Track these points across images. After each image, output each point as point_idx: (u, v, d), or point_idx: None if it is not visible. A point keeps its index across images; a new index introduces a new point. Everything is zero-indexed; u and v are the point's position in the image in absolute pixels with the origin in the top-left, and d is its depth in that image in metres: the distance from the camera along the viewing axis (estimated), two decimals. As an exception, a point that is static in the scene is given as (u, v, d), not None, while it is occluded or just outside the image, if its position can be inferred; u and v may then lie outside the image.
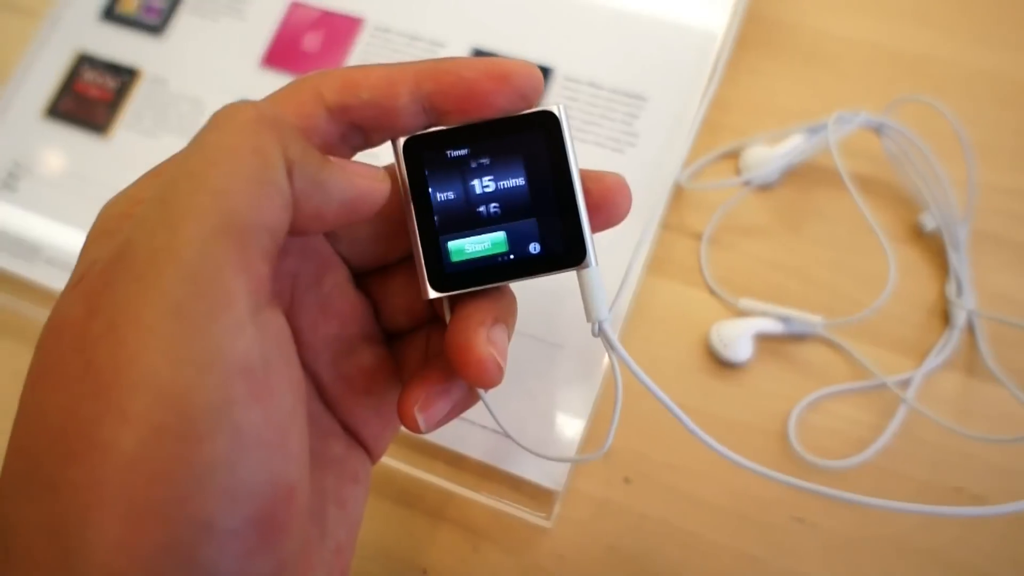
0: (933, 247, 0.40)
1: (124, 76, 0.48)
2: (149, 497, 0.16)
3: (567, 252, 0.24)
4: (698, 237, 0.42)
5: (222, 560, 0.17)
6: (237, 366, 0.17)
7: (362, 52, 0.46)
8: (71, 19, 0.50)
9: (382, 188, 0.22)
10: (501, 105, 0.23)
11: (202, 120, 0.45)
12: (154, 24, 0.49)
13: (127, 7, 0.50)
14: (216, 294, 0.17)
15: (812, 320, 0.38)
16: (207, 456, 0.16)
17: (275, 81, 0.46)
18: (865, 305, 0.37)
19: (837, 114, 0.39)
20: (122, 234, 0.19)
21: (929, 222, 0.40)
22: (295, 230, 0.20)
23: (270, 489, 0.18)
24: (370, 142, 0.24)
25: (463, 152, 0.24)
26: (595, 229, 0.24)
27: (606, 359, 0.38)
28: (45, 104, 0.49)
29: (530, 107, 0.24)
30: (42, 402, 0.18)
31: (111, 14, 0.50)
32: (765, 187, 0.43)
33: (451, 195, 0.24)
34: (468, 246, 0.24)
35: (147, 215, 0.18)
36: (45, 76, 0.49)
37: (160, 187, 0.19)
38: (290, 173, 0.19)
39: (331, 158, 0.21)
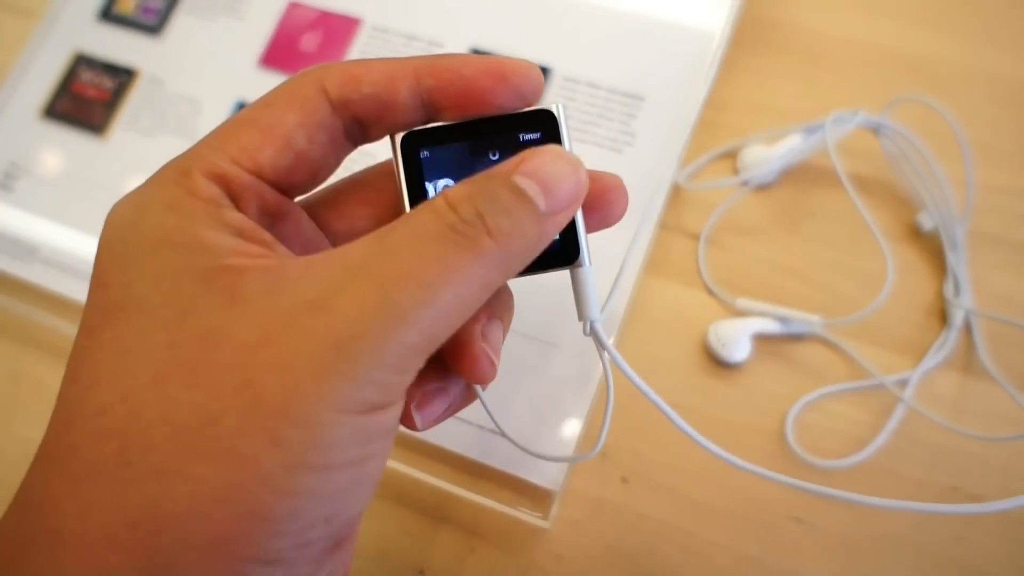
0: (931, 247, 0.40)
1: (122, 76, 0.48)
2: (268, 511, 0.18)
3: (560, 251, 0.24)
4: (696, 237, 0.42)
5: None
6: (383, 429, 0.20)
7: (360, 52, 0.46)
8: (68, 19, 0.50)
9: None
10: (500, 103, 0.23)
11: (200, 120, 0.46)
12: (151, 24, 0.49)
13: (124, 7, 0.50)
14: (387, 381, 0.19)
15: (810, 320, 0.38)
16: (331, 490, 0.19)
17: (273, 81, 0.46)
18: (863, 305, 0.37)
19: (835, 114, 0.39)
20: (311, 257, 0.20)
21: (927, 222, 0.40)
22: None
23: (358, 516, 0.21)
24: (369, 136, 0.24)
25: (460, 148, 0.24)
26: (591, 229, 0.24)
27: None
28: (42, 104, 0.48)
29: (528, 105, 0.24)
30: (172, 396, 0.18)
31: (108, 14, 0.50)
32: (763, 187, 0.43)
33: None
34: None
35: (355, 263, 0.19)
36: (42, 76, 0.49)
37: (382, 248, 0.19)
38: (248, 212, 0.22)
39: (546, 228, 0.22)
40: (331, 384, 0.18)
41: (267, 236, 0.21)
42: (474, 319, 0.24)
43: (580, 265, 0.24)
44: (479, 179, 0.21)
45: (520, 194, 0.20)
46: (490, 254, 0.19)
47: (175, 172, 0.21)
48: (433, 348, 0.19)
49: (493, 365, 0.24)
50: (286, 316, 0.18)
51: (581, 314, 0.25)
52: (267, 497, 0.17)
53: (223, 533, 0.17)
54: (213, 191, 0.21)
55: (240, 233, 0.20)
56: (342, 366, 0.18)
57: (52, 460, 0.19)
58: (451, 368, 0.24)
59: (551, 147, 0.22)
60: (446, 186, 0.24)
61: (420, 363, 0.19)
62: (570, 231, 0.24)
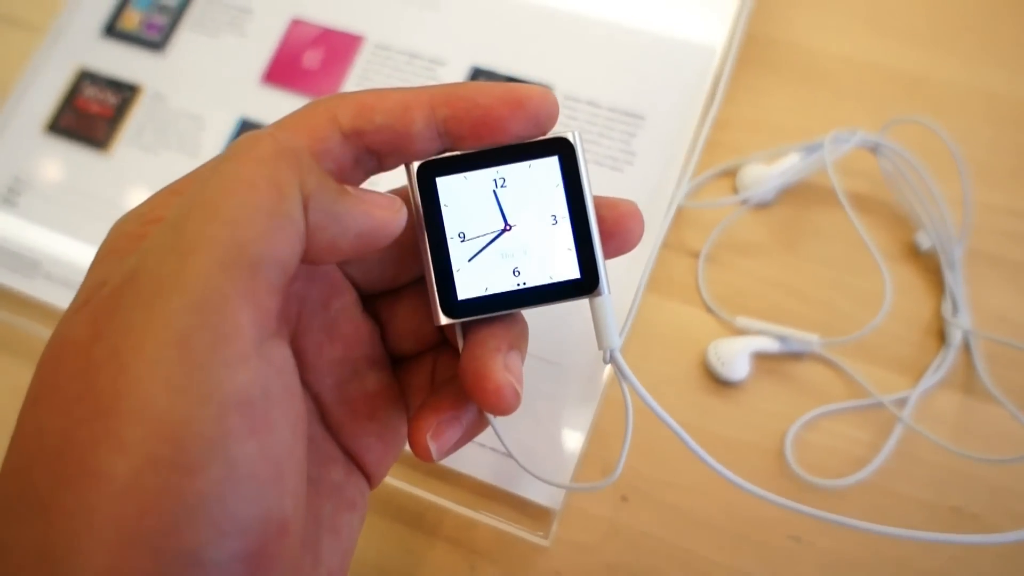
0: (929, 266, 0.41)
1: (125, 92, 0.49)
2: (139, 527, 0.16)
3: (581, 280, 0.24)
4: (695, 255, 0.42)
5: None
6: (236, 399, 0.17)
7: (362, 70, 0.46)
8: (72, 35, 0.51)
9: (399, 219, 0.22)
10: (516, 131, 0.23)
11: (202, 136, 0.46)
12: (155, 40, 0.50)
13: (128, 23, 0.50)
14: (220, 326, 0.17)
15: (809, 339, 0.38)
16: (199, 488, 0.16)
17: (275, 98, 0.47)
18: (861, 324, 0.38)
19: (833, 133, 0.40)
20: (132, 257, 0.19)
21: (925, 241, 0.40)
22: (310, 259, 0.20)
23: (261, 524, 0.18)
24: (384, 166, 0.24)
25: (477, 177, 0.24)
26: (607, 256, 0.24)
27: (605, 377, 0.38)
28: (46, 119, 0.49)
29: (544, 133, 0.24)
30: (40, 423, 0.18)
31: (112, 30, 0.50)
32: (762, 206, 0.43)
33: (464, 220, 0.24)
34: None
35: (158, 241, 0.18)
36: (46, 91, 0.49)
37: (173, 214, 0.19)
38: (306, 206, 0.19)
39: (349, 189, 0.21)
40: (151, 354, 0.16)
41: None
42: (495, 349, 0.23)
43: (600, 294, 0.24)
44: None
45: None
46: (268, 155, 0.19)
47: (168, 192, 0.22)
48: (261, 272, 0.18)
49: (518, 396, 0.23)
50: (108, 303, 0.18)
51: (601, 343, 0.24)
52: (131, 513, 0.16)
53: (104, 566, 0.16)
54: None
55: None
56: (155, 327, 0.17)
57: None
58: (474, 400, 0.24)
59: None
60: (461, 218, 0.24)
61: (252, 297, 0.18)
62: (590, 260, 0.24)
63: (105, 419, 0.16)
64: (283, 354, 0.19)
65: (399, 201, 0.22)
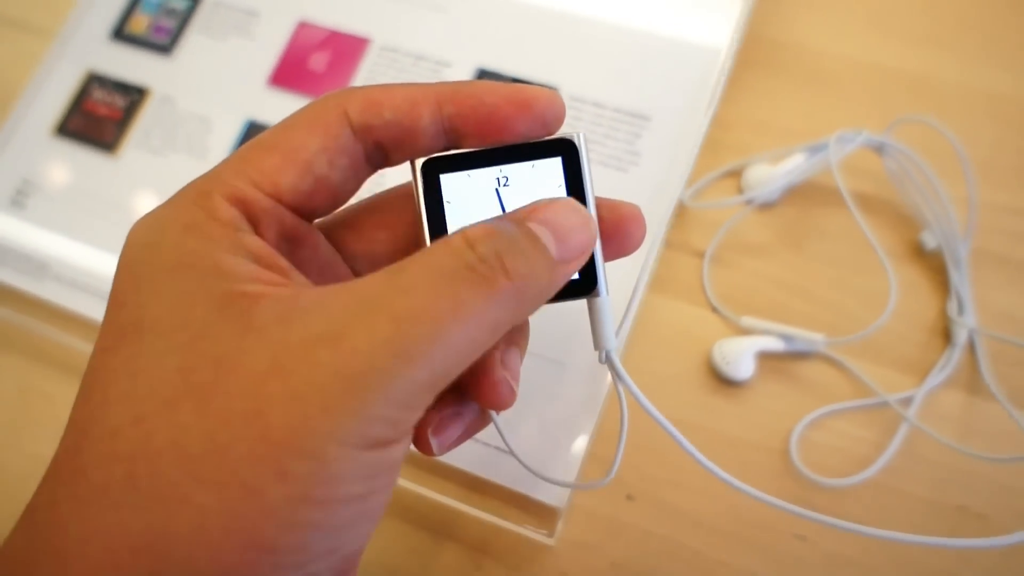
0: (934, 266, 0.41)
1: (133, 95, 0.49)
2: (272, 543, 0.18)
3: (579, 281, 0.24)
4: (700, 255, 0.42)
5: None
6: (389, 464, 0.20)
7: (368, 72, 0.47)
8: (81, 38, 0.51)
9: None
10: (521, 131, 0.23)
11: (210, 138, 0.46)
12: (163, 43, 0.50)
13: (136, 26, 0.51)
14: (396, 419, 0.19)
15: (814, 338, 0.38)
16: (335, 524, 0.19)
17: (282, 100, 0.47)
18: (867, 323, 0.38)
19: (838, 133, 0.40)
20: (324, 289, 0.20)
21: (930, 241, 0.40)
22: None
23: (360, 549, 0.21)
24: (390, 161, 0.24)
25: (480, 175, 0.24)
26: (608, 258, 0.24)
27: (609, 377, 0.38)
28: (55, 122, 0.49)
29: (550, 134, 0.24)
30: (182, 421, 0.18)
31: (121, 33, 0.51)
32: (767, 206, 0.43)
33: (467, 217, 0.24)
34: None
35: (370, 298, 0.19)
36: (55, 94, 0.50)
37: (398, 284, 0.19)
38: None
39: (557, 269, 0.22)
40: (339, 419, 0.18)
41: (284, 263, 0.21)
42: (493, 347, 0.24)
43: (598, 295, 0.24)
44: (495, 221, 0.21)
45: (535, 239, 0.21)
46: (504, 294, 0.19)
47: (195, 194, 0.21)
48: (442, 386, 0.19)
49: (513, 392, 0.24)
50: (298, 347, 0.18)
51: (597, 343, 0.25)
52: (271, 529, 0.17)
53: (226, 563, 0.17)
54: (233, 215, 0.21)
55: (257, 259, 0.20)
56: (351, 401, 0.18)
57: (60, 480, 0.19)
58: (471, 396, 0.24)
59: (564, 199, 0.22)
60: (463, 215, 0.24)
61: (429, 400, 0.19)
62: (588, 262, 0.24)
63: (273, 448, 0.18)
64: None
65: (583, 232, 0.23)
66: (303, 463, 0.17)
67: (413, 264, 0.19)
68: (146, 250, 0.21)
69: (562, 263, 0.21)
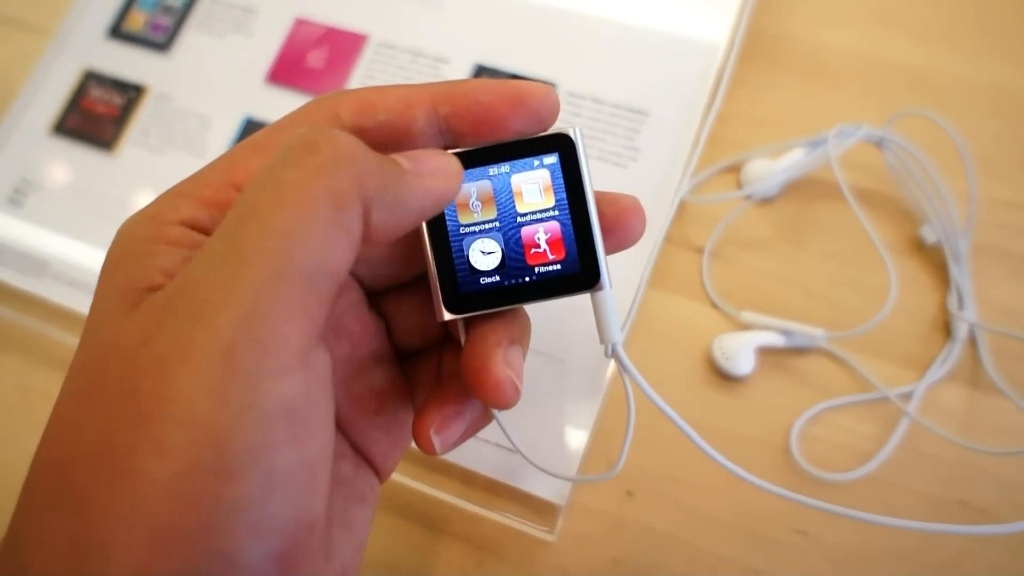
0: (934, 260, 0.41)
1: (130, 92, 0.49)
2: (175, 526, 0.16)
3: (582, 275, 0.24)
4: (700, 250, 0.42)
5: None
6: (280, 409, 0.17)
7: (366, 69, 0.47)
8: (78, 36, 0.51)
9: (456, 184, 0.22)
10: (517, 128, 0.23)
11: (208, 136, 0.46)
12: (160, 41, 0.50)
13: (134, 24, 0.51)
14: (268, 339, 0.17)
15: (814, 333, 0.38)
16: (238, 493, 0.17)
17: (280, 97, 0.47)
18: (867, 318, 0.38)
19: (838, 128, 0.40)
20: (156, 260, 0.19)
21: (930, 235, 0.40)
22: (372, 242, 0.20)
23: (295, 524, 0.18)
24: None
25: (478, 174, 0.24)
26: (609, 251, 0.24)
27: (609, 373, 0.38)
28: (52, 120, 0.49)
29: (546, 129, 0.24)
30: (80, 421, 0.18)
31: (118, 31, 0.51)
32: (766, 200, 0.43)
33: (463, 215, 0.24)
34: None
35: (212, 250, 0.18)
36: (52, 93, 0.50)
37: (228, 222, 0.18)
38: (368, 209, 0.19)
39: (404, 164, 0.21)
40: (198, 363, 0.17)
41: None
42: (495, 344, 0.24)
43: (601, 288, 0.24)
44: None
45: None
46: (327, 161, 0.18)
47: (173, 193, 0.22)
48: (313, 286, 0.18)
49: (517, 390, 0.24)
50: (160, 308, 0.18)
51: (603, 337, 0.25)
52: (169, 513, 0.16)
53: (140, 560, 0.16)
54: (199, 214, 0.21)
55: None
56: (203, 337, 0.17)
57: (23, 492, 0.19)
58: (475, 395, 0.24)
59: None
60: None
61: (304, 309, 0.18)
62: (590, 255, 0.24)
63: (147, 423, 0.17)
64: (324, 361, 0.19)
65: (455, 162, 0.22)
66: (178, 429, 0.16)
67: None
68: (111, 247, 0.21)
69: (413, 171, 0.21)
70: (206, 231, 0.21)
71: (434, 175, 0.21)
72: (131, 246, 0.21)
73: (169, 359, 0.17)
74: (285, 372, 0.17)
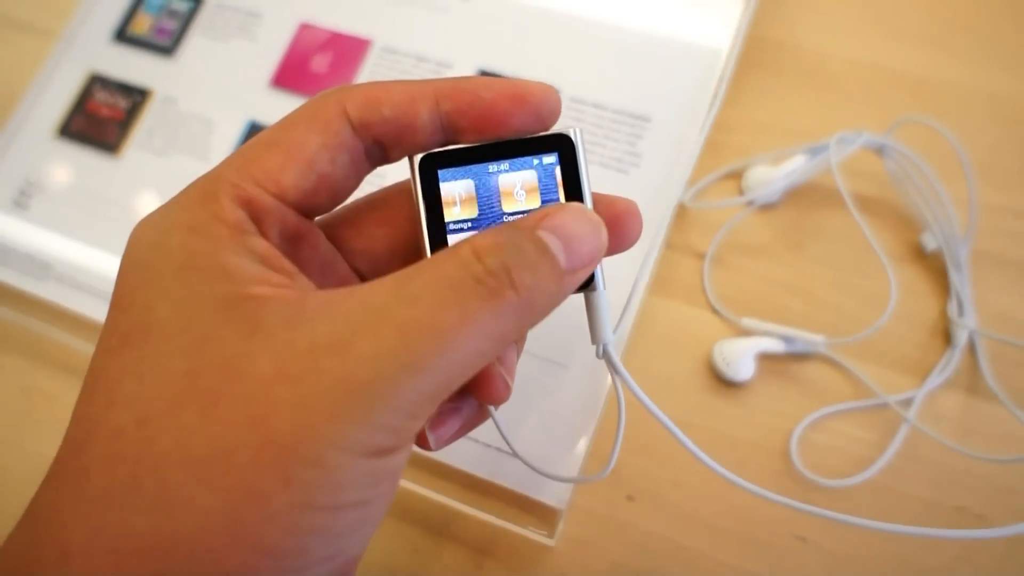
0: (934, 267, 0.41)
1: (135, 96, 0.49)
2: (275, 547, 0.18)
3: None
4: (701, 256, 0.42)
5: None
6: (391, 472, 0.20)
7: (370, 73, 0.47)
8: (84, 40, 0.51)
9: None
10: (518, 126, 0.23)
11: (212, 139, 0.46)
12: (165, 45, 0.50)
13: (139, 28, 0.51)
14: (402, 431, 0.19)
15: (814, 339, 0.38)
16: (336, 530, 0.19)
17: (284, 101, 0.47)
18: (867, 324, 0.38)
19: (839, 134, 0.40)
20: (333, 320, 0.20)
21: (930, 242, 0.40)
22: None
23: (360, 554, 0.21)
24: (389, 158, 0.24)
25: (477, 171, 0.24)
26: (606, 253, 0.24)
27: (610, 379, 0.38)
28: (57, 123, 0.49)
29: (546, 128, 0.24)
30: (187, 424, 0.18)
31: (123, 35, 0.51)
32: (767, 207, 0.43)
33: (464, 212, 0.24)
34: None
35: (385, 338, 0.19)
36: (58, 96, 0.50)
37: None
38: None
39: None
40: (344, 427, 0.18)
41: (288, 265, 0.21)
42: None
43: (594, 289, 0.24)
44: (504, 230, 0.21)
45: (544, 250, 0.20)
46: (511, 307, 0.19)
47: (200, 194, 0.21)
48: (445, 396, 0.20)
49: (508, 387, 0.24)
50: (304, 354, 0.18)
51: (594, 337, 0.25)
52: (273, 534, 0.18)
53: (228, 567, 0.17)
54: (238, 215, 0.21)
55: (263, 260, 0.21)
56: (356, 410, 0.18)
57: (64, 479, 0.19)
58: (466, 389, 0.24)
59: (575, 205, 0.22)
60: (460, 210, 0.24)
61: (432, 409, 0.20)
62: None
63: (277, 452, 0.18)
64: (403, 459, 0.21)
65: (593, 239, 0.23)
66: (307, 470, 0.18)
67: (421, 273, 0.19)
68: (151, 251, 0.21)
69: (570, 272, 0.21)
70: (251, 232, 0.21)
71: (585, 262, 0.22)
72: (141, 255, 0.21)
73: (315, 411, 0.18)
74: (403, 449, 0.20)
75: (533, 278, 0.20)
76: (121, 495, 0.18)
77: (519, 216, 0.24)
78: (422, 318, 0.18)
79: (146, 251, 0.21)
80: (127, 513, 0.18)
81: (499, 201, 0.24)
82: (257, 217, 0.21)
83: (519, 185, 0.24)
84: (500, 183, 0.24)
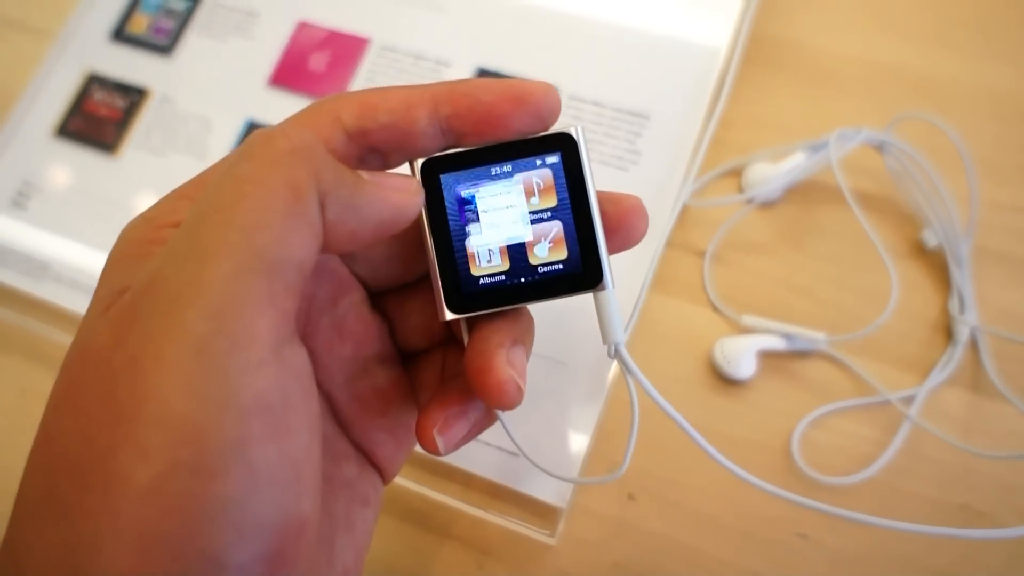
0: (936, 263, 0.40)
1: (133, 95, 0.49)
2: (161, 530, 0.16)
3: (584, 274, 0.24)
4: (701, 254, 0.42)
5: None
6: (255, 404, 0.17)
7: (368, 72, 0.47)
8: (81, 39, 0.51)
9: (416, 201, 0.22)
10: (518, 127, 0.23)
11: (210, 139, 0.46)
12: (163, 44, 0.50)
13: (136, 27, 0.51)
14: (239, 332, 0.17)
15: (815, 336, 0.38)
16: (220, 493, 0.17)
17: (282, 100, 0.47)
18: (868, 321, 0.38)
19: (839, 131, 0.40)
20: (150, 262, 0.19)
21: (931, 238, 0.40)
22: (329, 250, 0.20)
23: (281, 525, 0.18)
24: (388, 164, 0.24)
25: (480, 174, 0.24)
26: (612, 251, 0.24)
27: (610, 376, 0.38)
28: (55, 123, 0.49)
29: (547, 128, 0.24)
30: (62, 426, 0.18)
31: (121, 34, 0.51)
32: (768, 204, 0.43)
33: (468, 216, 0.24)
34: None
35: (175, 248, 0.18)
36: (55, 95, 0.50)
37: (189, 219, 0.19)
38: (323, 202, 0.19)
39: (364, 176, 0.21)
40: (171, 361, 0.17)
41: None
42: (498, 344, 0.24)
43: (604, 288, 0.24)
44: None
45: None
46: (282, 152, 0.19)
47: (175, 196, 0.22)
48: (279, 274, 0.18)
49: (520, 391, 0.24)
50: (128, 308, 0.18)
51: (606, 337, 0.24)
52: (153, 516, 0.16)
53: (127, 566, 0.16)
54: None
55: None
56: (173, 333, 0.17)
57: (17, 498, 0.19)
58: (478, 395, 0.24)
59: None
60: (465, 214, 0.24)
61: (272, 300, 0.18)
62: (593, 255, 0.24)
63: (126, 424, 0.17)
64: (300, 356, 0.19)
65: (415, 182, 0.23)
66: (156, 430, 0.16)
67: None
68: (136, 245, 0.21)
69: (372, 182, 0.21)
70: None
71: (393, 187, 0.22)
72: (126, 249, 0.21)
73: (142, 359, 0.17)
74: (259, 366, 0.17)
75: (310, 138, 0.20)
76: (35, 510, 0.18)
77: (528, 217, 0.24)
78: (203, 208, 0.19)
79: (131, 246, 0.21)
80: (42, 527, 0.18)
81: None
82: None
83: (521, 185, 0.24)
84: (503, 184, 0.24)
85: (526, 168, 0.24)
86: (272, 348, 0.18)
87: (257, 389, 0.17)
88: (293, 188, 0.18)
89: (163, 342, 0.17)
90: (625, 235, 0.25)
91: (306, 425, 0.19)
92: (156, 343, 0.17)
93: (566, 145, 0.24)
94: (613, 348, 0.25)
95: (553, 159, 0.24)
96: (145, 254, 0.20)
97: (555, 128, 0.24)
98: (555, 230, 0.24)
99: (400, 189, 0.22)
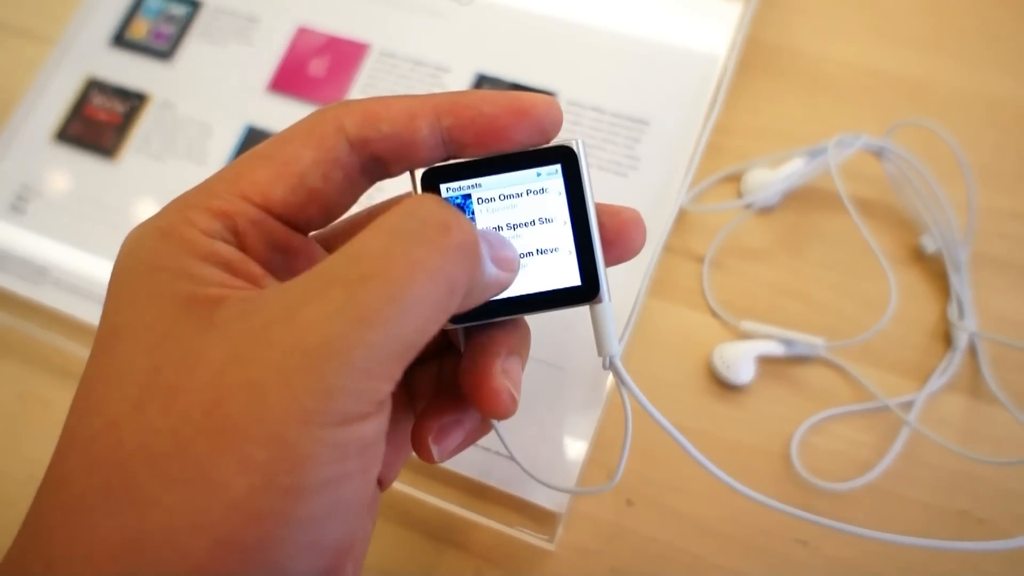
0: (934, 269, 0.41)
1: (133, 100, 0.49)
2: (239, 537, 0.17)
3: (581, 287, 0.24)
4: (700, 260, 0.42)
5: None
6: (358, 447, 0.18)
7: (367, 77, 0.47)
8: (82, 44, 0.51)
9: (514, 277, 0.24)
10: (520, 139, 0.23)
11: (210, 144, 0.46)
12: (163, 49, 0.50)
13: (136, 32, 0.51)
14: (365, 392, 0.18)
15: (814, 342, 0.38)
16: (304, 514, 0.18)
17: (282, 106, 0.47)
18: (867, 327, 0.38)
19: (838, 137, 0.40)
20: (284, 292, 0.19)
21: (930, 244, 0.40)
22: None
23: (344, 544, 0.19)
24: (389, 173, 0.24)
25: (481, 185, 0.24)
26: (609, 263, 0.24)
27: (609, 383, 0.38)
28: (55, 128, 0.49)
29: (548, 141, 0.24)
30: (148, 423, 0.18)
31: (121, 39, 0.51)
32: (766, 210, 0.43)
33: None
34: None
35: (331, 297, 0.18)
36: (55, 100, 0.50)
37: (350, 273, 0.19)
38: (464, 298, 0.21)
39: (493, 270, 0.22)
40: (298, 396, 0.17)
41: (257, 270, 0.22)
42: (494, 354, 0.24)
43: (600, 301, 0.24)
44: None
45: None
46: (455, 247, 0.19)
47: (181, 203, 0.22)
48: (408, 354, 0.19)
49: (514, 400, 0.24)
50: (254, 333, 0.18)
51: (601, 349, 0.25)
52: (237, 523, 0.17)
53: (195, 563, 0.17)
54: (211, 225, 0.21)
55: (227, 266, 0.21)
56: (308, 376, 0.17)
57: (49, 489, 0.19)
58: (472, 404, 0.24)
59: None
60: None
61: (396, 370, 0.19)
62: (591, 268, 0.24)
63: (232, 436, 0.17)
64: (390, 405, 0.20)
65: (516, 255, 0.24)
66: (263, 449, 0.17)
67: (365, 231, 0.19)
68: (128, 257, 0.21)
69: (493, 258, 0.22)
70: (223, 240, 0.21)
71: (506, 267, 0.23)
72: (165, 254, 0.21)
73: (267, 386, 0.17)
74: (370, 417, 0.19)
75: (471, 224, 0.21)
76: (95, 501, 0.18)
77: (527, 229, 0.24)
78: (367, 271, 0.18)
79: (125, 257, 0.21)
80: (100, 519, 0.17)
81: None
82: (239, 229, 0.22)
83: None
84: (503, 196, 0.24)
85: (526, 180, 0.24)
86: (382, 405, 0.19)
87: (363, 435, 0.19)
88: (453, 286, 0.19)
89: (294, 380, 0.17)
90: (623, 248, 0.25)
91: (382, 458, 0.20)
92: (286, 378, 0.17)
93: (567, 158, 0.24)
94: (608, 361, 0.25)
95: (553, 171, 0.24)
96: (189, 264, 0.20)
97: (556, 140, 0.24)
98: (553, 243, 0.24)
99: (508, 267, 0.23)
